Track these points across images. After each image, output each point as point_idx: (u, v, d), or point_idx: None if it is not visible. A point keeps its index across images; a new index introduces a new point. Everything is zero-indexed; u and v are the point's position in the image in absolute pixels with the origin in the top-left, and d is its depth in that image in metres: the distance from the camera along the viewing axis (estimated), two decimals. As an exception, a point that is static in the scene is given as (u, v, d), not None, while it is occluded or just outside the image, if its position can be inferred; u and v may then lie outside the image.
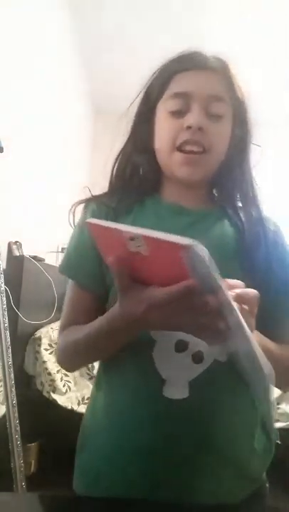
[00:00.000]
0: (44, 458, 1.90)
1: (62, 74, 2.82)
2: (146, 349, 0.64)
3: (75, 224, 0.76)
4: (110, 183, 0.78)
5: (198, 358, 0.64)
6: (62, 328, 0.72)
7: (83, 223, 0.74)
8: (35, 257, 2.02)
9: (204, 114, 0.68)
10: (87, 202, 0.76)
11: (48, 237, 2.53)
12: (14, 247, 1.95)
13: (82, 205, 0.77)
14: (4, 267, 1.73)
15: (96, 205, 0.75)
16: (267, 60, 3.04)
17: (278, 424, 1.85)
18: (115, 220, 0.70)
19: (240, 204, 0.75)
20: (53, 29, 2.50)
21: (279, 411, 1.87)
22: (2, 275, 1.55)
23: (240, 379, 0.66)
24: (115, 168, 0.78)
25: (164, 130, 0.70)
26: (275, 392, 1.87)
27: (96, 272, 0.70)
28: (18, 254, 1.95)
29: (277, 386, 0.71)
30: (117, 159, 0.77)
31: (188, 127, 0.67)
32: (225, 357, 0.65)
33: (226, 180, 0.76)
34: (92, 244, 0.69)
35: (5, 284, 1.57)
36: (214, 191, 0.79)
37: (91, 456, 0.70)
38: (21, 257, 1.94)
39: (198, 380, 0.64)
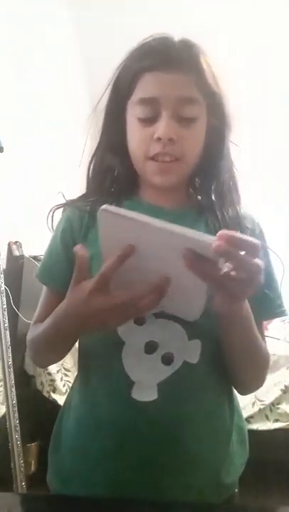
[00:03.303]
0: (44, 458, 1.89)
1: (63, 73, 2.82)
2: (114, 351, 0.64)
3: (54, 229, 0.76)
4: (87, 184, 0.76)
5: (167, 359, 0.64)
6: (32, 325, 0.74)
7: (57, 229, 0.75)
8: (35, 257, 2.02)
9: (175, 119, 0.63)
10: (64, 207, 0.75)
11: (48, 237, 2.52)
12: (14, 247, 1.95)
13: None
14: (4, 267, 1.73)
15: (71, 210, 0.74)
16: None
17: (278, 424, 1.85)
18: (91, 224, 0.70)
19: (216, 201, 0.72)
20: (53, 26, 2.50)
21: (279, 411, 1.87)
22: (2, 275, 1.55)
23: (213, 381, 0.67)
24: (91, 170, 0.75)
25: (135, 139, 0.67)
26: (275, 393, 1.87)
27: (67, 276, 0.67)
28: (18, 254, 1.95)
29: (242, 381, 0.71)
30: (91, 160, 0.75)
31: (159, 139, 0.63)
32: (196, 359, 0.64)
33: (202, 175, 0.73)
34: (63, 248, 0.72)
35: (5, 284, 1.57)
36: (190, 189, 0.76)
37: (62, 457, 0.71)
38: (21, 257, 1.94)
39: (167, 382, 0.63)
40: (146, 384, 0.63)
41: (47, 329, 0.64)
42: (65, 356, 0.72)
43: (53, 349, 0.69)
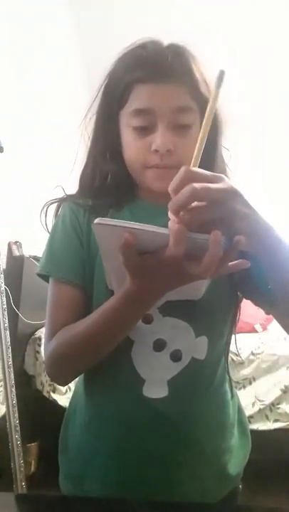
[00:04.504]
0: (44, 458, 1.89)
1: (63, 73, 2.82)
2: (124, 349, 0.64)
3: (53, 221, 0.73)
4: (80, 185, 0.75)
5: (176, 356, 0.65)
6: (52, 334, 0.65)
7: (63, 219, 0.71)
8: (35, 257, 2.02)
9: (171, 129, 0.64)
10: (61, 201, 0.74)
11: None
12: (14, 247, 1.95)
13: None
14: (4, 267, 1.73)
15: (72, 203, 0.72)
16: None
17: (278, 424, 1.85)
18: (89, 219, 0.69)
19: None
20: (53, 26, 2.50)
21: (279, 411, 1.87)
22: (2, 275, 1.55)
23: (219, 377, 0.70)
24: (84, 174, 0.74)
25: (131, 149, 0.67)
26: (275, 393, 1.87)
27: (83, 266, 0.68)
28: (18, 254, 1.95)
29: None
30: (86, 166, 0.74)
31: (156, 151, 0.63)
32: (203, 355, 0.66)
33: None
34: (74, 237, 0.69)
35: (5, 284, 1.57)
36: None
37: (72, 458, 0.71)
38: (21, 257, 1.94)
39: (176, 378, 0.65)
40: (156, 381, 0.65)
41: (101, 318, 0.57)
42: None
43: (98, 345, 0.61)
